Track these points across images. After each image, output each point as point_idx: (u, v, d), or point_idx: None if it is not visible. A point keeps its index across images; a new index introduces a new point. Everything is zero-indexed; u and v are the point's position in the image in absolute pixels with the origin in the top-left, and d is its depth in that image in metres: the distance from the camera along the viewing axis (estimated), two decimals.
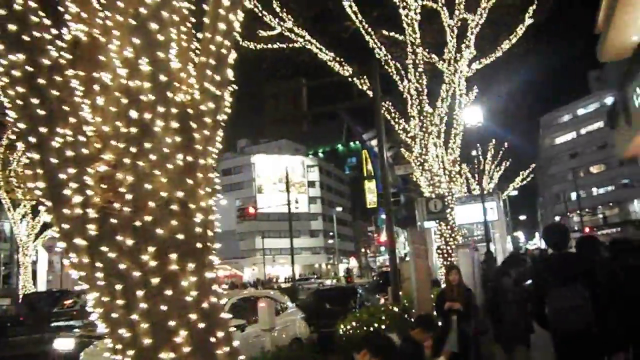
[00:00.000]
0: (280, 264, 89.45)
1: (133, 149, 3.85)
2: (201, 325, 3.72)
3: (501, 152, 36.70)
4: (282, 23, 18.18)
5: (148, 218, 3.73)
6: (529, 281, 7.88)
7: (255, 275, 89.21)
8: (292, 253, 41.51)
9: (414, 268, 10.72)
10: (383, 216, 28.57)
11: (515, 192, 47.07)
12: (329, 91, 16.98)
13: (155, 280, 3.64)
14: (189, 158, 4.01)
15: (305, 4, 18.99)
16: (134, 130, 3.88)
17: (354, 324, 10.06)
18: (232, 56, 4.52)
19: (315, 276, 79.55)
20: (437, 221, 16.29)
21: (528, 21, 18.74)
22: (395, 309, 10.95)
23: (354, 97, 14.37)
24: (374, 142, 50.38)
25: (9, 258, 49.03)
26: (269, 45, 18.88)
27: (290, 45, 18.56)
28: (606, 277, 5.93)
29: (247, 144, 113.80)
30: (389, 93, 17.54)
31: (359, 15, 17.67)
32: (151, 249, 3.67)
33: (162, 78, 3.98)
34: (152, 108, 3.91)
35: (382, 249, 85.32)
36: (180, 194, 3.87)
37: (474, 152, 34.80)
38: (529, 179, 40.98)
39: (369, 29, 17.71)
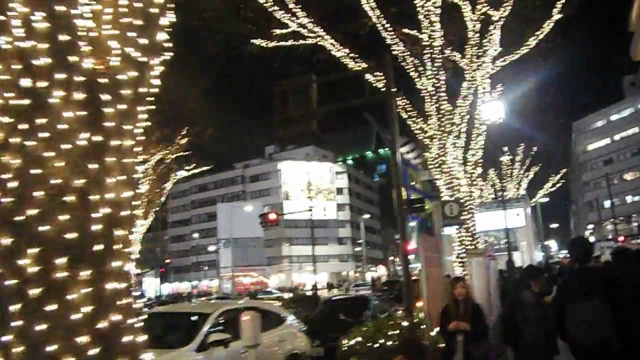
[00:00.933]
0: (307, 272, 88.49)
1: (23, 126, 3.05)
2: (93, 351, 2.87)
3: (530, 156, 35.34)
4: (296, 20, 17.44)
5: (32, 211, 2.91)
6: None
7: (282, 282, 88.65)
8: (314, 260, 40.72)
9: (425, 277, 9.79)
10: (412, 223, 27.55)
11: (546, 199, 45.52)
12: (339, 89, 16.10)
13: (34, 292, 2.82)
14: (96, 138, 3.18)
15: (320, 0, 18.29)
16: (26, 102, 3.07)
17: (359, 339, 9.17)
18: (167, 19, 3.71)
19: (341, 284, 78.40)
20: (457, 227, 15.34)
21: (556, 16, 17.66)
22: (405, 323, 9.98)
23: (366, 93, 13.49)
24: (404, 149, 49.39)
25: None
26: (282, 43, 18.21)
27: (303, 42, 17.80)
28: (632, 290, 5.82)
29: (275, 150, 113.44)
30: (407, 92, 16.63)
31: (376, 11, 16.82)
32: (32, 251, 2.85)
33: (63, 38, 3.18)
34: (48, 75, 3.11)
35: (411, 257, 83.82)
36: (79, 181, 3.04)
37: (502, 158, 33.80)
38: (559, 184, 39.32)
39: (387, 26, 16.82)
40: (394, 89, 12.88)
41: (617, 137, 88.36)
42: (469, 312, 6.95)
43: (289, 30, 17.84)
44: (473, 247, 14.96)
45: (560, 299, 6.21)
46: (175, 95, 35.63)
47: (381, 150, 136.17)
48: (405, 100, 16.14)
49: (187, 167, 40.52)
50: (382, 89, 14.44)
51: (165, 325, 9.18)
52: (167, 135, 37.09)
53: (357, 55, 16.32)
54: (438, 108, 15.62)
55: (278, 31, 18.02)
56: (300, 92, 14.51)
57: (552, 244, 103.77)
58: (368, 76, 15.84)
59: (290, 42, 18.14)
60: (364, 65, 15.80)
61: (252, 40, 18.49)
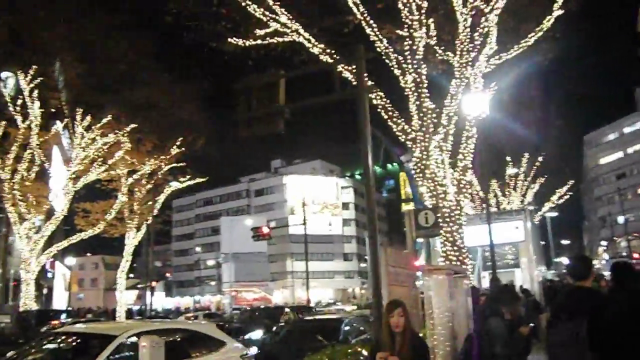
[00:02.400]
0: (312, 288, 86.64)
1: None
2: None
3: (535, 167, 33.48)
4: (274, 16, 16.05)
5: None
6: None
7: (286, 298, 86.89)
8: (307, 277, 39.27)
9: (388, 298, 8.15)
10: (420, 240, 25.82)
11: (555, 213, 43.48)
12: (312, 88, 14.57)
13: None
14: None
15: None
16: None
17: None
18: None
19: (336, 302, 76.35)
20: (443, 241, 13.66)
21: (556, 12, 16.06)
22: (365, 353, 8.34)
23: (336, 88, 11.98)
24: (412, 164, 47.71)
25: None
26: (259, 42, 16.82)
27: (280, 39, 16.38)
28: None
29: (281, 164, 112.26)
30: (389, 91, 15.06)
31: (360, 7, 15.37)
32: None
33: None
34: None
35: (419, 274, 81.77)
36: None
37: (509, 171, 32.07)
38: (567, 197, 37.23)
39: (371, 22, 15.35)
40: (367, 83, 11.41)
41: (630, 150, 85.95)
42: (408, 349, 5.15)
43: (270, 30, 16.49)
44: (460, 263, 13.30)
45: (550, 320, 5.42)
46: (167, 102, 34.65)
47: (389, 166, 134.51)
48: (384, 100, 14.54)
49: (182, 179, 39.26)
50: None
51: (65, 349, 7.73)
52: (158, 145, 35.94)
53: (334, 52, 14.85)
54: (419, 106, 14.02)
55: (258, 31, 16.69)
56: (267, 89, 13.02)
57: (565, 261, 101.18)
58: (347, 74, 14.40)
59: (267, 41, 16.79)
60: (334, 55, 14.26)
61: (228, 40, 17.18)
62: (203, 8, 17.31)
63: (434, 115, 14.18)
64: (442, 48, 16.10)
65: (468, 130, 15.00)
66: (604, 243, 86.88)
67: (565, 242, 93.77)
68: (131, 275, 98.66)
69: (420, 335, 6.06)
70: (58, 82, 37.76)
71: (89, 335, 8.30)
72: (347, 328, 13.18)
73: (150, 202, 38.24)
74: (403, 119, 14.33)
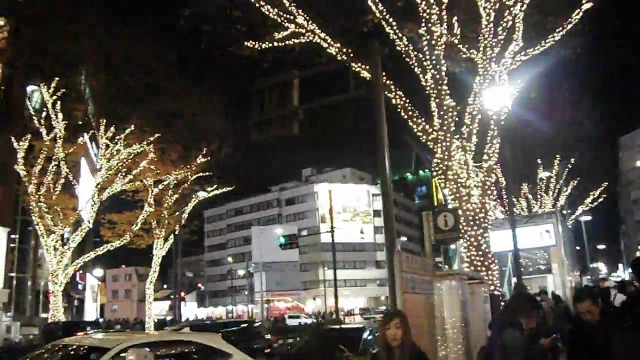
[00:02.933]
0: (344, 296, 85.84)
1: None
2: None
3: (567, 169, 32.30)
4: (290, 17, 15.56)
5: None
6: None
7: (318, 307, 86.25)
8: (335, 285, 38.46)
9: (402, 307, 7.53)
10: (453, 246, 25.11)
11: (588, 217, 41.99)
12: (325, 89, 13.99)
13: None
14: None
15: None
16: None
17: None
18: None
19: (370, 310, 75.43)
20: (467, 245, 12.91)
21: (586, 5, 15.30)
22: None
23: (350, 87, 11.41)
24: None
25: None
26: (275, 43, 16.36)
27: (296, 40, 15.88)
28: None
29: (312, 172, 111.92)
30: (410, 92, 14.42)
31: (380, 6, 14.80)
32: None
33: None
34: None
35: None
36: None
37: (542, 174, 31.03)
38: (600, 200, 35.83)
39: (391, 20, 14.76)
40: (383, 80, 10.83)
41: None
42: None
43: (288, 32, 16.01)
44: (486, 269, 12.56)
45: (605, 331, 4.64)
46: (190, 111, 34.49)
47: (421, 172, 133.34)
48: (404, 99, 13.91)
49: (208, 189, 39.09)
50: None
51: None
52: (183, 155, 35.78)
53: (350, 51, 14.29)
54: (439, 104, 13.35)
55: (276, 34, 16.24)
56: (280, 90, 12.52)
57: (601, 267, 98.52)
58: (365, 74, 13.82)
59: (283, 43, 16.32)
60: (351, 56, 13.69)
61: (245, 43, 16.76)
62: (217, 11, 16.92)
63: (455, 113, 13.51)
64: (466, 46, 15.44)
65: (493, 129, 14.29)
66: None
67: (601, 246, 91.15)
68: (164, 286, 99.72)
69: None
70: (83, 93, 37.97)
71: (84, 347, 7.86)
72: (369, 337, 12.51)
73: (177, 213, 38.17)
74: (423, 119, 13.67)
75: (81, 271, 51.16)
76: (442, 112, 13.30)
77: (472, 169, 13.59)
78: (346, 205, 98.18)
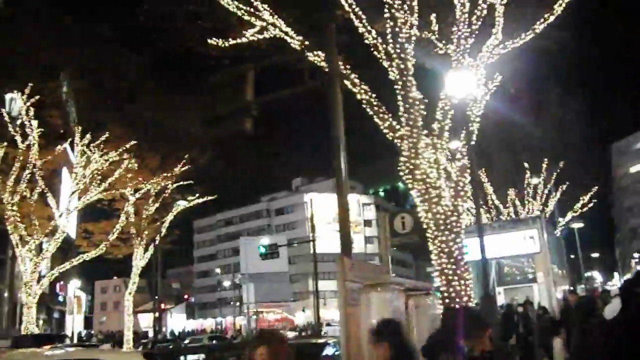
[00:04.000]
0: (334, 307, 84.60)
1: None
2: None
3: (556, 173, 31.22)
4: (259, 15, 14.46)
5: None
6: None
7: (308, 318, 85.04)
8: (317, 296, 37.40)
9: (344, 322, 6.42)
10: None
11: (580, 224, 40.79)
12: (275, 81, 12.90)
13: None
14: None
15: None
16: None
17: None
18: None
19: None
20: (437, 252, 11.67)
21: None
22: None
23: (305, 79, 10.39)
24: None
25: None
26: (238, 40, 15.25)
27: (260, 36, 14.78)
28: None
29: (302, 182, 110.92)
30: (378, 86, 13.34)
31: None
32: None
33: None
34: None
35: None
36: None
37: (532, 180, 30.03)
38: (591, 204, 34.55)
39: (360, 14, 13.68)
40: (340, 68, 9.78)
41: None
42: None
43: (256, 29, 14.91)
44: (458, 279, 11.41)
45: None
46: (168, 117, 33.40)
47: None
48: (369, 94, 12.78)
49: (190, 198, 38.05)
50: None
51: None
52: (162, 163, 34.74)
53: (308, 42, 13.21)
54: (405, 96, 12.24)
55: (245, 32, 15.13)
56: (234, 84, 11.47)
57: (597, 275, 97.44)
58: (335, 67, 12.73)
59: (247, 39, 15.22)
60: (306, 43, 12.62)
61: (208, 40, 15.66)
62: (177, 7, 15.85)
63: (422, 107, 12.37)
64: (436, 36, 14.35)
65: (471, 124, 13.19)
66: (636, 255, 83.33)
67: (595, 255, 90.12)
68: (157, 297, 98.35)
69: None
70: (62, 100, 36.93)
71: None
72: (331, 353, 11.32)
73: (158, 223, 37.17)
74: (391, 115, 12.56)
75: (61, 282, 49.96)
76: (408, 106, 12.17)
77: (442, 168, 12.46)
78: (336, 215, 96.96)
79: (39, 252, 31.23)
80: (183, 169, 34.59)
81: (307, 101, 18.34)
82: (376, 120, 12.58)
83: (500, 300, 22.08)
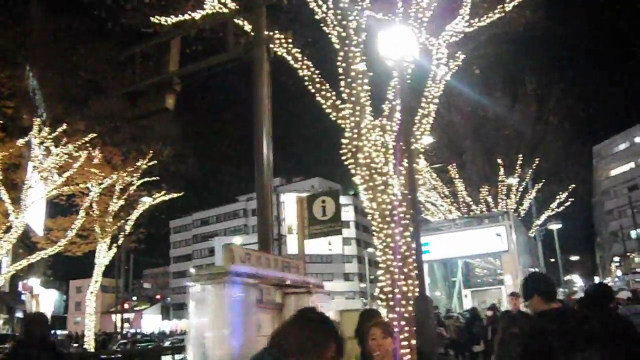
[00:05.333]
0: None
1: None
2: None
3: (531, 170, 30.07)
4: None
5: None
6: None
7: None
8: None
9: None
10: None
11: (559, 225, 39.47)
12: (201, 51, 11.52)
13: None
14: None
15: None
16: None
17: None
18: None
19: None
20: (382, 247, 10.35)
21: None
22: None
23: (229, 47, 9.07)
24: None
25: None
26: (180, 17, 13.84)
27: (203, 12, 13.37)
28: None
29: (280, 182, 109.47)
30: (324, 64, 12.01)
31: None
32: None
33: None
34: None
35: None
36: None
37: (510, 180, 28.87)
38: (568, 203, 33.25)
39: None
40: (266, 34, 8.43)
41: None
42: None
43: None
44: (405, 279, 10.09)
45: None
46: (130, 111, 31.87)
47: None
48: (312, 70, 11.41)
49: (155, 195, 36.69)
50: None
51: None
52: (125, 159, 33.31)
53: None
54: (346, 69, 10.90)
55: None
56: (156, 55, 10.13)
57: (576, 279, 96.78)
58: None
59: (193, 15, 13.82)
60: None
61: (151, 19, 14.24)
62: None
63: (366, 80, 11.00)
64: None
65: (424, 107, 11.88)
66: (616, 259, 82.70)
67: (575, 258, 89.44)
68: (134, 298, 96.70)
69: None
70: (27, 91, 35.35)
71: None
72: None
73: (122, 220, 35.80)
74: (334, 93, 11.21)
75: (25, 281, 48.28)
76: (350, 80, 10.80)
77: (391, 153, 11.11)
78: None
79: None
80: (149, 164, 33.24)
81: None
82: (319, 98, 11.22)
83: (467, 303, 20.77)
